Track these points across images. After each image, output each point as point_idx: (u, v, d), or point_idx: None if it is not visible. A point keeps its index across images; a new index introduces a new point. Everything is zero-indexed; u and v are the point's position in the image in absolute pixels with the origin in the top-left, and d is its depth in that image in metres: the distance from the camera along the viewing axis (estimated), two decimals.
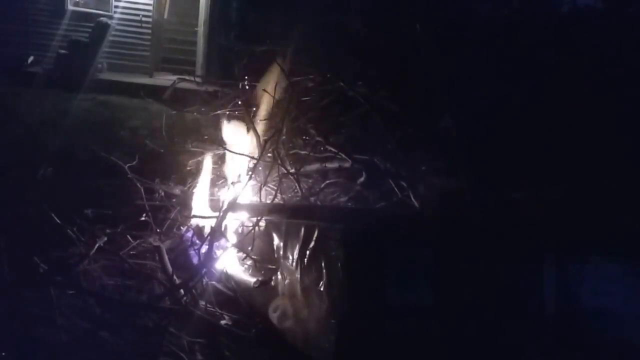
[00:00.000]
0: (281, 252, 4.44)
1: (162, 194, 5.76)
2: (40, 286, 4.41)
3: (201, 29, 11.93)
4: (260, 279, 4.55)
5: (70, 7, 12.36)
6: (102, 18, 12.08)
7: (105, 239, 5.04)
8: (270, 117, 5.28)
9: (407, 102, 4.86)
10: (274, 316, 4.31)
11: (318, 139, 5.08)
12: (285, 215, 4.51)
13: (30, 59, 11.62)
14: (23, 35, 12.19)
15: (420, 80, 5.01)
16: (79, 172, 6.52)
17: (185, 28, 12.52)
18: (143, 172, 6.01)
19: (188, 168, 6.01)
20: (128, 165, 5.86)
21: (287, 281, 4.34)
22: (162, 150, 6.64)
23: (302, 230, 4.24)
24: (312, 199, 4.86)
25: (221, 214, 4.80)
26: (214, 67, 10.72)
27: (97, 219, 5.42)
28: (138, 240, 5.09)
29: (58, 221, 4.93)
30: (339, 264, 3.80)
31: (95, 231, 5.16)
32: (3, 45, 11.80)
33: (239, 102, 5.78)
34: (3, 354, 3.83)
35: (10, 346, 3.85)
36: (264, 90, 5.22)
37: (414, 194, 4.17)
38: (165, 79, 11.59)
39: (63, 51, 11.58)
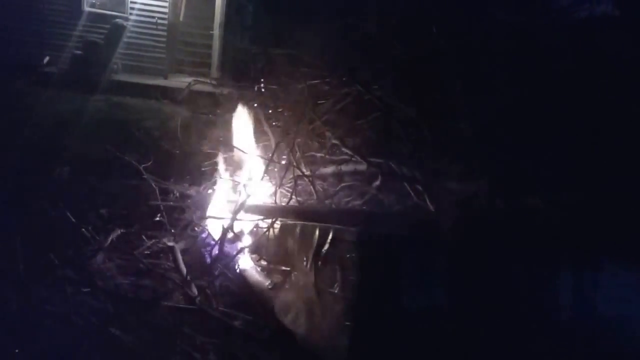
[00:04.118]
0: (295, 254, 4.45)
1: (177, 194, 5.78)
2: (56, 284, 4.44)
3: (216, 31, 11.96)
4: (273, 280, 4.56)
5: (87, 9, 12.44)
6: (117, 19, 12.15)
7: (119, 232, 5.10)
8: (286, 120, 5.30)
9: (424, 106, 4.84)
10: (287, 318, 4.31)
11: (334, 141, 5.08)
12: (300, 218, 4.51)
13: (46, 59, 11.70)
14: (39, 35, 12.29)
15: (437, 84, 5.00)
16: (93, 172, 6.54)
17: (200, 30, 12.57)
18: (157, 172, 6.04)
19: (203, 169, 6.03)
20: (143, 165, 5.89)
21: (300, 283, 4.34)
22: (177, 151, 6.68)
23: (317, 232, 4.25)
24: (327, 201, 4.85)
25: (235, 215, 4.82)
26: (228, 69, 10.74)
27: (112, 219, 5.45)
28: (153, 240, 5.11)
29: (73, 220, 4.97)
30: (354, 267, 3.80)
31: (110, 230, 5.21)
32: (20, 45, 11.91)
33: (255, 105, 5.78)
34: (17, 350, 3.86)
35: (25, 344, 3.87)
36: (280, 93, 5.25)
37: (429, 198, 4.16)
38: (180, 81, 11.64)
39: (78, 52, 11.65)
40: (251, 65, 6.69)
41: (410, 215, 4.21)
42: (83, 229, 5.02)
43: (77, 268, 4.67)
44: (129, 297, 4.57)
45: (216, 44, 11.97)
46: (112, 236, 4.95)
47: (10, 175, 6.10)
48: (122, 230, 5.22)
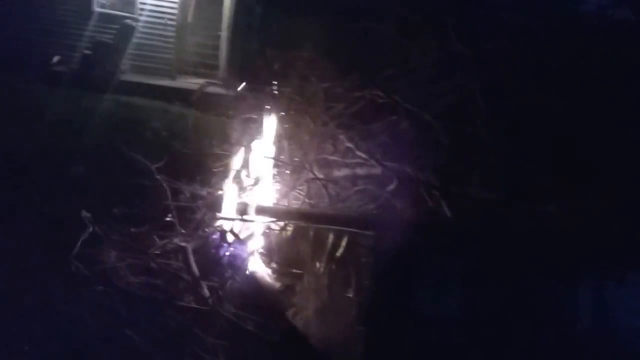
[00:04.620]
0: (308, 258, 4.45)
1: (188, 195, 5.76)
2: (69, 282, 4.44)
3: (225, 33, 11.93)
4: (284, 283, 4.55)
5: (97, 9, 12.41)
6: (127, 20, 12.13)
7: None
8: (299, 123, 5.29)
9: (441, 110, 4.83)
10: (299, 321, 4.30)
11: (348, 145, 5.06)
12: (314, 221, 4.51)
13: (56, 58, 11.65)
14: (49, 35, 12.25)
15: (454, 89, 4.99)
16: (102, 171, 6.53)
17: (208, 32, 12.53)
18: (167, 172, 6.03)
19: (214, 170, 6.01)
20: (155, 166, 5.88)
21: (313, 286, 4.34)
22: (187, 152, 6.66)
23: (331, 236, 4.25)
24: (340, 205, 4.84)
25: (248, 217, 4.81)
26: (237, 71, 10.71)
27: (124, 218, 5.44)
28: (165, 240, 5.10)
29: (84, 218, 4.96)
30: (370, 272, 3.80)
31: (122, 229, 5.20)
32: (29, 45, 11.87)
33: (268, 107, 5.76)
34: (26, 348, 3.85)
35: (39, 342, 3.87)
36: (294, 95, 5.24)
37: (446, 203, 4.15)
38: (188, 82, 11.62)
39: (88, 52, 11.62)
40: (263, 67, 6.67)
41: (426, 221, 4.19)
42: (96, 227, 5.02)
43: (89, 266, 4.65)
44: (140, 296, 4.57)
45: (224, 45, 11.94)
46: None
47: (18, 174, 6.10)
48: (133, 230, 5.22)
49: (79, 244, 4.68)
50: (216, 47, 12.17)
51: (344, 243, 4.19)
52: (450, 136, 4.68)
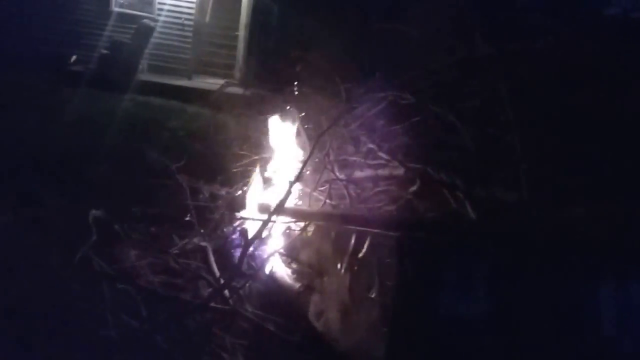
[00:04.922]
0: (329, 258, 4.43)
1: (207, 195, 5.77)
2: (92, 282, 4.45)
3: (242, 32, 11.99)
4: (305, 283, 4.53)
5: (115, 9, 12.51)
6: (145, 20, 12.21)
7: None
8: (320, 123, 5.28)
9: (466, 112, 4.80)
10: (319, 321, 4.27)
11: (370, 146, 5.04)
12: (335, 222, 4.49)
13: (74, 58, 11.75)
14: (67, 34, 12.36)
15: (479, 90, 4.95)
16: (122, 171, 6.56)
17: (225, 32, 12.60)
18: (186, 172, 6.06)
19: (234, 170, 6.02)
20: (175, 165, 5.91)
21: (334, 287, 4.31)
22: (206, 152, 6.69)
23: (353, 237, 4.22)
24: (360, 206, 4.82)
25: (269, 217, 4.79)
26: (253, 71, 10.75)
27: (144, 218, 5.46)
28: (186, 240, 5.11)
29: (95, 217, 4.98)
30: (393, 273, 3.77)
31: (142, 228, 5.22)
32: (47, 44, 11.98)
33: (288, 107, 5.76)
34: (51, 346, 3.86)
35: (61, 341, 3.87)
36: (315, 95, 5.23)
37: (471, 205, 4.12)
38: (204, 82, 11.68)
39: (105, 51, 11.71)
40: (283, 66, 6.67)
41: (450, 222, 4.15)
42: (116, 227, 5.04)
43: (110, 265, 4.67)
44: (160, 295, 4.57)
45: (241, 45, 11.99)
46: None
47: (37, 173, 6.14)
48: (153, 229, 5.25)
49: (91, 242, 4.68)
50: (233, 47, 12.24)
51: (366, 244, 4.16)
52: (475, 138, 4.64)
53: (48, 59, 11.28)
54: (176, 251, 5.05)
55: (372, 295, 4.03)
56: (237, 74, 11.67)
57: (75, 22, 12.45)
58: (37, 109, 8.91)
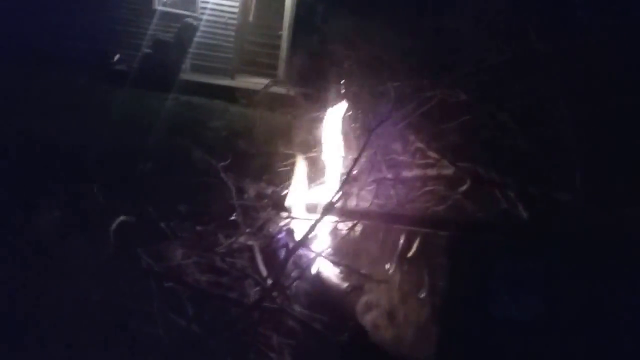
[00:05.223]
0: (377, 258, 4.39)
1: (253, 194, 5.78)
2: (139, 280, 4.49)
3: (285, 31, 12.02)
4: (352, 283, 4.50)
5: (158, 7, 12.65)
6: (188, 19, 12.32)
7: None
8: (368, 122, 5.23)
9: (518, 110, 4.69)
10: (367, 321, 4.24)
11: (418, 145, 4.98)
12: (383, 221, 4.44)
13: (117, 57, 11.92)
14: (110, 33, 12.54)
15: (531, 88, 4.84)
16: (167, 169, 6.62)
17: (268, 31, 12.64)
18: (232, 171, 6.08)
19: (280, 169, 6.02)
20: (221, 164, 5.95)
21: (382, 287, 4.27)
22: (251, 151, 6.71)
23: (402, 236, 4.17)
24: (408, 205, 4.76)
25: (316, 216, 4.77)
26: (297, 70, 10.75)
27: (190, 216, 5.49)
28: (232, 239, 5.12)
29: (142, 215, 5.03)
30: (444, 273, 3.71)
31: (188, 227, 5.26)
32: (91, 43, 12.16)
33: (334, 106, 5.72)
34: (97, 345, 3.89)
35: (107, 339, 3.91)
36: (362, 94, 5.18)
37: (523, 205, 4.02)
38: (247, 82, 11.73)
39: (148, 50, 11.85)
40: (328, 65, 6.64)
41: (502, 223, 4.07)
42: (162, 225, 5.09)
43: (158, 264, 4.71)
44: (207, 294, 4.58)
45: (284, 44, 12.02)
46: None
47: (83, 173, 6.23)
48: (199, 228, 5.27)
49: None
50: (277, 47, 12.28)
51: (415, 243, 4.10)
52: (527, 137, 4.54)
53: (92, 58, 11.46)
54: (222, 250, 5.06)
55: (422, 296, 3.97)
56: (281, 73, 11.69)
57: (118, 21, 12.63)
58: (81, 108, 9.07)
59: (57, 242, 4.83)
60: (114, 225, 4.94)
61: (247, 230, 5.30)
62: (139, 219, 5.24)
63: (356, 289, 4.38)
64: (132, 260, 4.66)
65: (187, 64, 12.19)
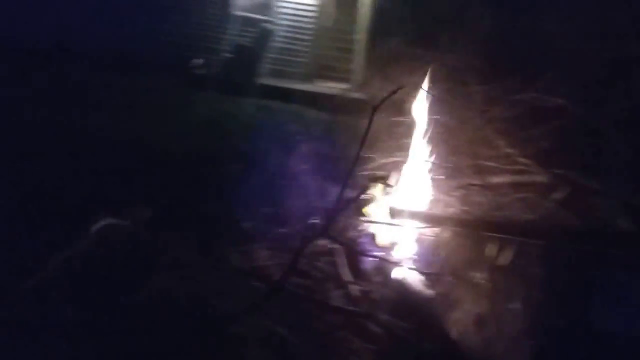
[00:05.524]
0: (465, 265, 4.28)
1: (336, 197, 5.75)
2: (223, 279, 4.55)
3: (362, 35, 11.99)
4: (439, 291, 4.41)
5: (236, 12, 12.85)
6: (266, 24, 12.49)
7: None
8: (452, 127, 5.13)
9: (616, 114, 4.48)
10: (455, 331, 4.13)
11: (508, 150, 4.83)
12: (471, 228, 4.33)
13: (197, 61, 12.16)
14: (191, 38, 12.82)
15: (629, 92, 4.61)
16: (247, 172, 6.70)
17: (345, 35, 12.62)
18: (311, 175, 6.10)
19: (361, 173, 5.97)
20: (301, 167, 5.96)
21: (471, 296, 4.16)
22: (331, 155, 6.69)
23: (492, 244, 4.05)
24: (497, 213, 4.63)
25: (398, 221, 4.72)
26: (375, 74, 10.68)
27: (273, 218, 5.53)
28: (313, 242, 5.10)
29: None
30: (540, 283, 3.58)
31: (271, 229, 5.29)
32: (173, 48, 12.46)
33: (416, 109, 5.63)
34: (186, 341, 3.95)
35: (195, 335, 3.97)
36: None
37: (627, 215, 3.83)
38: (325, 86, 11.75)
39: (229, 55, 12.06)
40: (408, 69, 6.54)
41: (603, 232, 3.89)
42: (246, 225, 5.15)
43: (244, 264, 4.76)
44: (291, 295, 4.59)
45: (362, 48, 11.98)
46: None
47: (170, 175, 6.39)
48: (282, 230, 5.30)
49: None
50: (354, 51, 12.24)
51: (507, 252, 3.97)
52: (627, 142, 4.33)
53: (174, 63, 11.76)
54: (306, 252, 5.06)
55: (514, 307, 3.84)
56: (359, 77, 11.64)
57: (197, 25, 12.91)
58: (165, 110, 9.35)
59: (145, 241, 4.97)
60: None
61: (330, 233, 5.29)
62: (224, 219, 5.33)
63: (443, 297, 4.29)
64: (220, 259, 4.73)
65: (264, 68, 12.32)
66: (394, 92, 4.27)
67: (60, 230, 4.81)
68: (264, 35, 12.35)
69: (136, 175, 6.27)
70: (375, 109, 4.28)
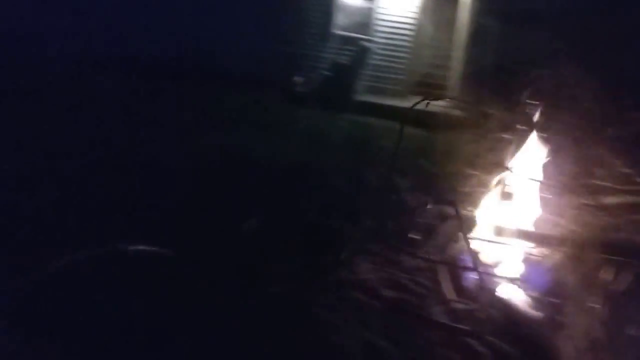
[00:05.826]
0: (576, 289, 4.12)
1: (437, 213, 5.71)
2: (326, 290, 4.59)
3: (458, 52, 11.88)
4: (547, 314, 4.26)
5: (334, 31, 13.07)
6: (363, 42, 12.62)
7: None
8: (562, 145, 4.97)
9: None
10: (565, 357, 3.97)
11: (624, 170, 4.62)
12: (585, 249, 4.17)
13: (298, 79, 12.45)
14: (291, 57, 13.14)
15: None
16: (348, 187, 6.78)
17: (441, 52, 12.54)
18: (412, 191, 6.10)
19: (463, 190, 5.90)
20: (401, 183, 5.97)
21: (584, 320, 3.99)
22: (432, 171, 6.67)
23: (608, 267, 3.87)
24: (611, 235, 4.43)
25: (503, 240, 4.61)
26: (474, 90, 10.53)
27: (374, 233, 5.55)
28: (414, 258, 5.07)
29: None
30: None
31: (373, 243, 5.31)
32: (275, 65, 12.80)
33: (520, 126, 5.51)
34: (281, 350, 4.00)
35: (290, 344, 4.02)
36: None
37: None
38: (422, 103, 11.66)
39: (327, 73, 12.28)
40: (508, 84, 6.42)
41: None
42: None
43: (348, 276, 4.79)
44: (392, 310, 4.58)
45: (458, 64, 11.87)
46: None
47: (275, 187, 6.56)
48: (383, 245, 5.30)
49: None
50: (450, 68, 12.14)
51: (625, 275, 3.79)
52: None
53: (277, 80, 12.11)
54: (406, 268, 5.04)
55: (631, 332, 3.65)
56: (456, 93, 11.53)
57: (295, 44, 13.21)
58: (265, 127, 9.63)
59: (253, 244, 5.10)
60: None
61: (432, 249, 5.24)
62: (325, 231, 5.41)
63: (553, 321, 4.14)
64: (323, 271, 4.80)
65: (361, 85, 12.45)
66: (447, 107, 4.19)
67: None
68: (362, 53, 12.48)
69: (244, 189, 6.47)
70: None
